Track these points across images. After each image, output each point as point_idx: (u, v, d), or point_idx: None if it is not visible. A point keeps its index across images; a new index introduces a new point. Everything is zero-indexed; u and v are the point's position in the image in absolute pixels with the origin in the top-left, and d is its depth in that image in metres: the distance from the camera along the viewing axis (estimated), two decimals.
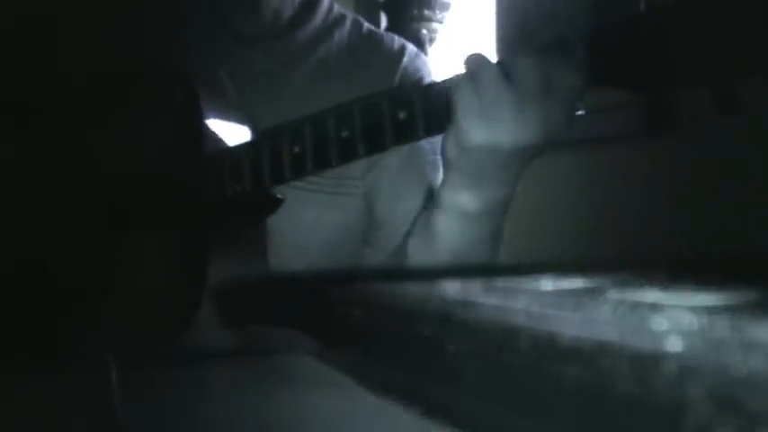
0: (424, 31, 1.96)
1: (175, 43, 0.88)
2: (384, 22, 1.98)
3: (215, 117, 0.79)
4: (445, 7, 1.99)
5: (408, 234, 0.83)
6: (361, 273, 0.89)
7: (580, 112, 0.66)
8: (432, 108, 0.68)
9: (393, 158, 0.86)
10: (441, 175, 0.83)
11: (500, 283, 0.35)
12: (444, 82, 0.69)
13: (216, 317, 0.75)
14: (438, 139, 0.87)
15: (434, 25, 1.98)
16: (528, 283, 0.34)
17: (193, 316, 0.73)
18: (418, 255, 0.80)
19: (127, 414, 0.39)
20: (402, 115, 0.68)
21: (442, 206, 0.74)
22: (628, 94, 0.65)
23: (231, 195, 0.75)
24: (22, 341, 0.75)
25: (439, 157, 0.87)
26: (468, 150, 0.67)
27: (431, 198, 0.82)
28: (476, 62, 0.66)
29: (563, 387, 0.22)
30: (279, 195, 0.78)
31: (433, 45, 1.98)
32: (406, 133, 0.68)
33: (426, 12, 1.96)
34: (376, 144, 0.69)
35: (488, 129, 0.65)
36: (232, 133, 0.80)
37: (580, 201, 1.41)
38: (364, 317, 0.34)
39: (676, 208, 1.24)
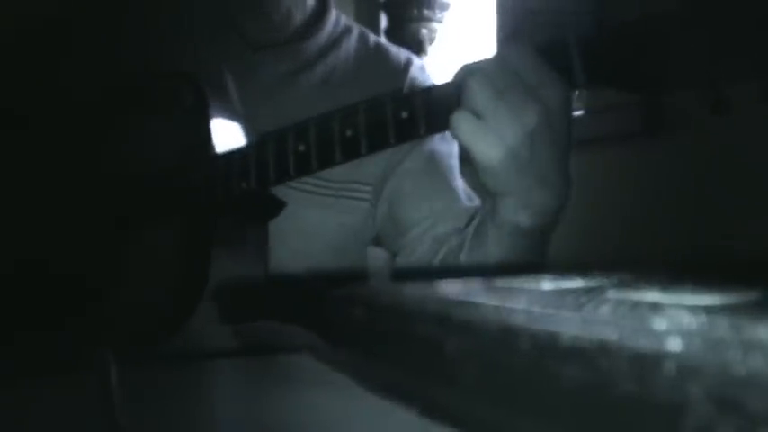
0: (424, 31, 1.97)
1: (184, 46, 0.89)
2: (384, 22, 1.98)
3: (220, 120, 0.79)
4: (445, 7, 1.99)
5: (459, 251, 0.82)
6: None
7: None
8: (433, 108, 0.69)
9: (413, 164, 0.88)
10: (461, 181, 0.84)
11: (500, 283, 0.36)
12: (444, 84, 0.70)
13: (217, 314, 0.75)
14: (453, 140, 0.88)
15: (434, 25, 1.98)
16: (528, 283, 0.34)
17: (193, 316, 0.73)
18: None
19: (127, 414, 0.39)
20: (404, 115, 0.69)
21: (496, 224, 0.72)
22: (623, 96, 0.65)
23: (237, 194, 0.75)
24: (21, 341, 0.75)
25: (455, 160, 0.88)
26: (498, 176, 0.66)
27: (461, 210, 0.82)
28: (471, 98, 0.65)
29: (563, 387, 0.22)
30: (281, 199, 0.78)
31: (433, 45, 1.98)
32: (409, 132, 0.70)
33: (426, 12, 1.96)
34: (379, 142, 0.71)
35: (499, 145, 0.64)
36: (236, 136, 0.80)
37: (579, 201, 1.41)
38: (364, 317, 0.34)
39: (675, 208, 1.24)
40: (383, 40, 1.00)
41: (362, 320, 0.34)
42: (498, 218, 0.71)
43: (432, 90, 0.73)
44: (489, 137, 0.64)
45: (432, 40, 1.98)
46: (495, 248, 0.74)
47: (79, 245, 0.80)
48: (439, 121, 0.69)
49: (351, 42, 0.94)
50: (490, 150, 0.64)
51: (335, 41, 0.93)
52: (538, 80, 0.64)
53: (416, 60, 0.94)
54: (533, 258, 0.75)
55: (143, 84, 0.82)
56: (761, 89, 0.54)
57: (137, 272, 0.77)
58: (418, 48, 1.94)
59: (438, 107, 0.69)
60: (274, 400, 0.47)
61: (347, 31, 0.94)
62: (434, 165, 0.88)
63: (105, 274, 0.78)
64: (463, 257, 0.81)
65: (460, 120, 0.65)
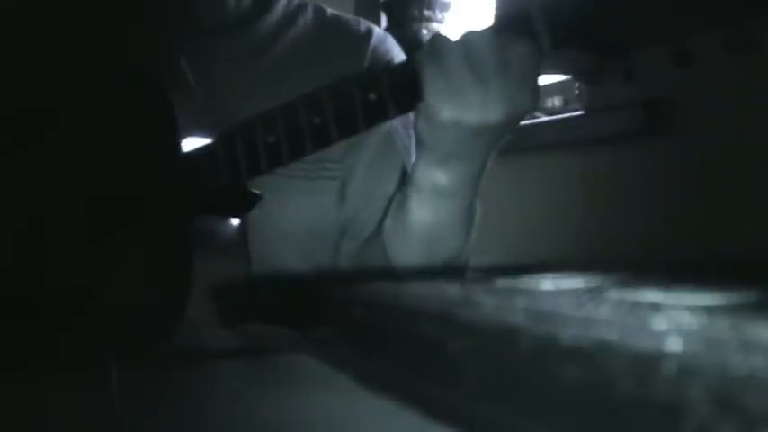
0: (424, 32, 1.96)
1: (139, 36, 0.87)
2: (384, 22, 1.98)
3: (181, 114, 0.78)
4: (445, 7, 1.99)
5: (383, 218, 0.83)
6: (364, 273, 0.89)
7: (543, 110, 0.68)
8: (401, 87, 0.69)
9: (370, 143, 0.86)
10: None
11: (500, 283, 0.36)
12: (411, 60, 0.70)
13: (215, 316, 0.75)
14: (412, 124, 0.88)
15: (434, 25, 1.98)
16: (528, 283, 0.34)
17: (180, 315, 0.73)
18: (392, 238, 0.81)
19: (127, 414, 0.39)
20: (372, 97, 0.69)
21: (414, 184, 0.75)
22: (621, 94, 0.66)
23: (210, 192, 0.75)
24: (21, 342, 0.75)
25: (413, 140, 0.87)
26: (436, 126, 0.69)
27: (404, 181, 0.82)
28: (439, 41, 0.68)
29: (563, 387, 0.22)
30: (256, 192, 0.78)
31: None
32: (378, 114, 0.70)
33: (426, 12, 1.96)
34: (349, 127, 0.70)
35: (453, 105, 0.67)
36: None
37: (580, 201, 1.41)
38: (364, 317, 0.34)
39: (675, 208, 1.24)
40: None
41: (362, 320, 0.34)
42: (418, 178, 0.74)
43: (398, 68, 0.73)
44: (449, 97, 0.66)
45: None
46: (415, 211, 0.76)
47: (67, 247, 0.79)
48: (408, 99, 0.69)
49: (307, 16, 0.92)
50: (441, 108, 0.67)
51: (292, 17, 0.91)
52: (517, 86, 0.66)
53: (377, 29, 0.93)
54: (455, 231, 0.76)
55: (103, 84, 0.81)
56: (724, 40, 0.54)
57: (124, 274, 0.77)
58: (419, 48, 1.94)
59: (406, 84, 0.69)
60: (274, 400, 0.47)
61: (302, 6, 0.93)
62: (390, 147, 0.87)
63: (93, 276, 0.77)
64: (387, 223, 0.81)
65: (427, 64, 0.67)
